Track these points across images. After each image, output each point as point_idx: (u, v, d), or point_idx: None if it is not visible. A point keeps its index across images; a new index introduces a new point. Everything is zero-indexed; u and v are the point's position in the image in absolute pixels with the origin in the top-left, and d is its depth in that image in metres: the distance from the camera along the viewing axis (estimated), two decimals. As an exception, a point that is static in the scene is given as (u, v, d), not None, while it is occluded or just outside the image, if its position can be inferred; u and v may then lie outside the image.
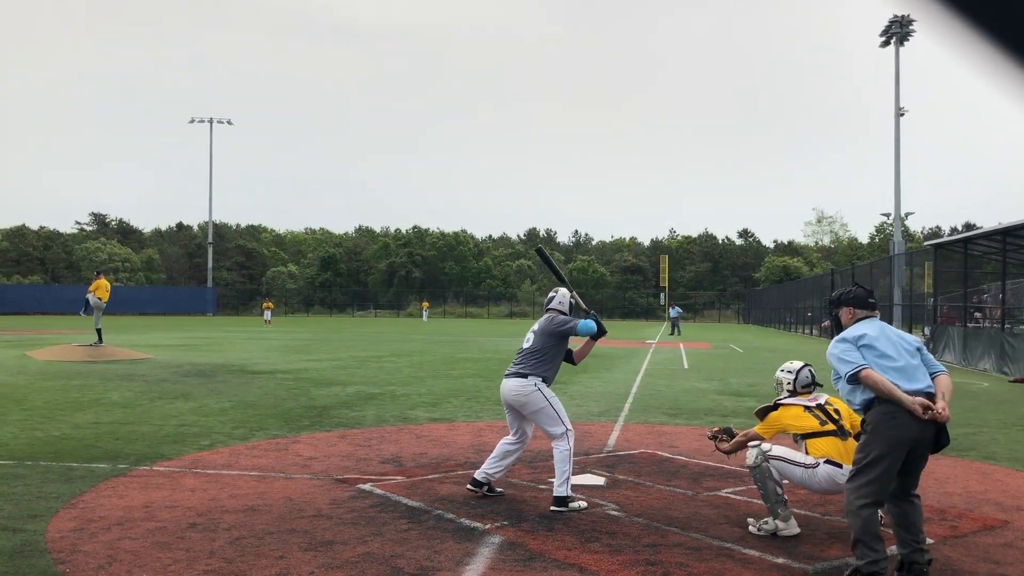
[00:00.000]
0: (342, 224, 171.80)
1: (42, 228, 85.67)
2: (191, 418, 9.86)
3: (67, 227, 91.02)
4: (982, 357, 19.53)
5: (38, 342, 24.94)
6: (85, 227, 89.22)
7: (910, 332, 28.10)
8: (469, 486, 6.09)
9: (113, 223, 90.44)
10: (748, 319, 72.79)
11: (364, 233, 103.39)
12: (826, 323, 39.60)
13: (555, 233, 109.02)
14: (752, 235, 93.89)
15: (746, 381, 16.00)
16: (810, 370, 5.52)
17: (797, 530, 5.11)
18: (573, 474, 5.92)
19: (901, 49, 44.31)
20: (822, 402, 5.26)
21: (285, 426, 9.42)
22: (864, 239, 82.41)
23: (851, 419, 5.16)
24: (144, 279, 79.05)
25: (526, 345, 6.16)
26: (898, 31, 43.88)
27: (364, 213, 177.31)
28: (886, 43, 44.99)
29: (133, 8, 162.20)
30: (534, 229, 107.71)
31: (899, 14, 42.58)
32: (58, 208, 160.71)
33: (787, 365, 5.63)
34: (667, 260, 76.50)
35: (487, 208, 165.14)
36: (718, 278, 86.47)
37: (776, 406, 5.41)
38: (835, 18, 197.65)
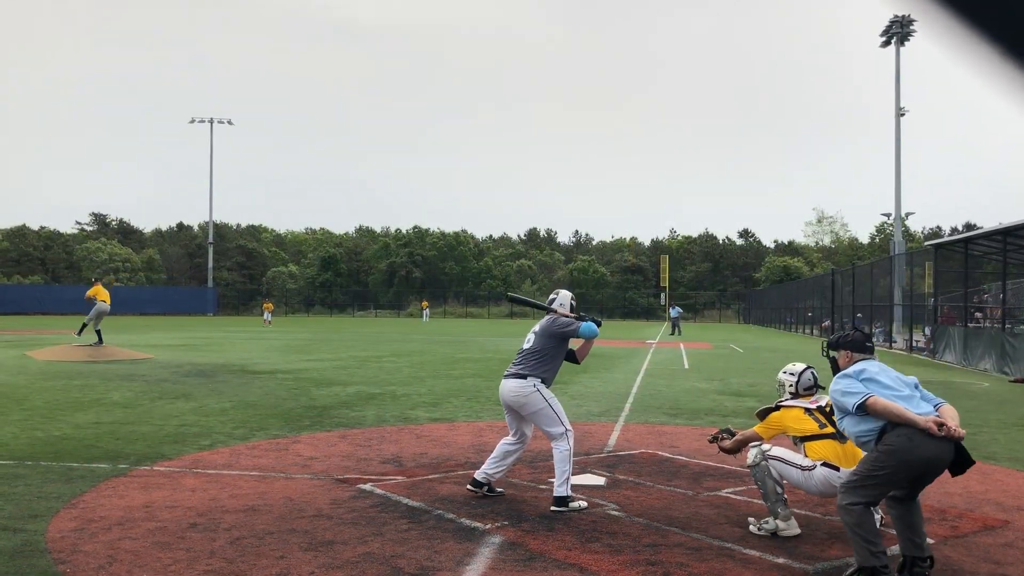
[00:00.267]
0: (342, 224, 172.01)
1: (42, 228, 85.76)
2: (192, 418, 9.86)
3: (67, 227, 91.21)
4: (982, 357, 19.52)
5: (38, 342, 24.94)
6: (85, 227, 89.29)
7: (911, 332, 28.10)
8: (469, 486, 6.09)
9: (113, 223, 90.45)
10: (748, 319, 72.78)
11: (364, 233, 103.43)
12: (826, 323, 39.62)
13: (555, 233, 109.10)
14: (752, 235, 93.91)
15: (746, 381, 16.00)
16: (812, 372, 5.52)
17: (797, 530, 5.12)
18: (573, 474, 5.92)
19: (901, 49, 44.34)
20: (823, 404, 5.26)
21: (285, 426, 9.42)
22: (864, 239, 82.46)
23: None
24: (144, 279, 79.07)
25: (526, 346, 6.16)
26: (898, 31, 43.90)
27: (364, 213, 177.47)
28: (886, 43, 45.01)
29: (133, 8, 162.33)
30: (534, 229, 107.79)
31: (899, 14, 42.58)
32: (58, 208, 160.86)
33: (789, 367, 5.63)
34: (667, 260, 76.49)
35: (487, 208, 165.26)
36: (718, 278, 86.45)
37: (777, 407, 5.42)
38: (835, 18, 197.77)
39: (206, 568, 4.33)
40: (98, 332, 20.11)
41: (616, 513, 5.65)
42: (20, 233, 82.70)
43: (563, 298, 6.34)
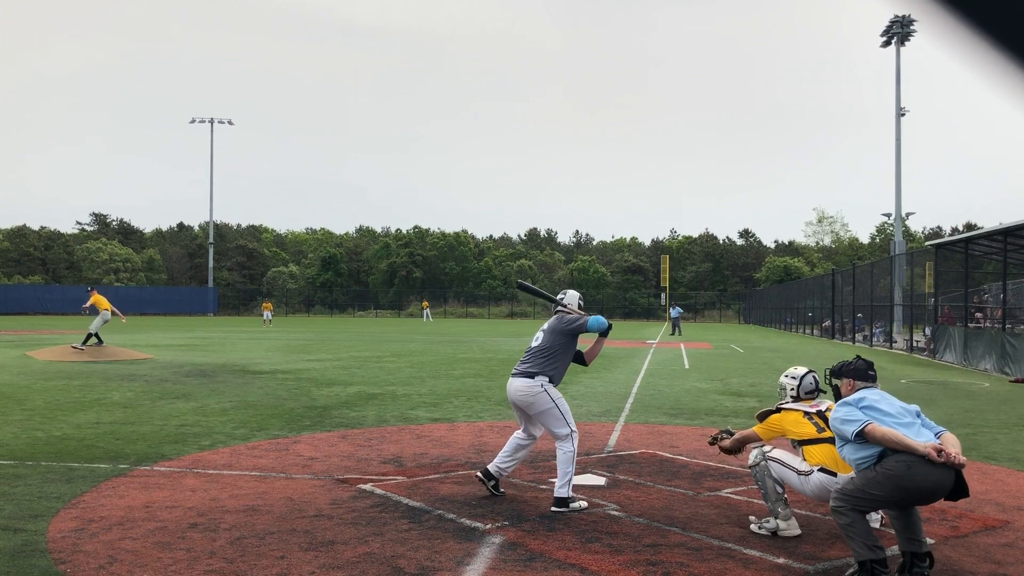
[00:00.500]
0: (343, 224, 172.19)
1: (43, 228, 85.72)
2: (192, 418, 9.87)
3: (68, 227, 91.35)
4: (983, 357, 19.52)
5: (39, 342, 24.96)
6: (86, 227, 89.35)
7: (911, 332, 28.06)
8: (479, 474, 6.14)
9: (114, 223, 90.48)
10: (749, 319, 72.77)
11: (365, 233, 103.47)
12: (827, 323, 39.62)
13: (556, 233, 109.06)
14: (753, 235, 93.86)
15: (747, 381, 16.00)
16: (814, 376, 5.51)
17: (798, 530, 5.12)
18: (574, 474, 5.92)
19: (902, 49, 44.36)
20: (823, 409, 5.24)
21: (286, 426, 9.42)
22: (865, 239, 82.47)
23: None
24: (145, 279, 79.10)
25: (534, 344, 6.16)
26: (899, 31, 43.92)
27: (365, 213, 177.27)
28: (887, 43, 45.03)
29: (133, 8, 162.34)
30: (535, 229, 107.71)
31: (900, 14, 42.59)
32: (59, 208, 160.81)
33: (791, 371, 5.62)
34: (668, 260, 76.51)
35: (488, 208, 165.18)
36: (719, 278, 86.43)
37: (778, 410, 5.42)
38: (836, 18, 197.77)
39: (206, 568, 4.33)
40: (96, 334, 20.12)
41: (616, 513, 5.65)
42: (20, 233, 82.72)
43: (571, 297, 6.34)
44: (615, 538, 5.02)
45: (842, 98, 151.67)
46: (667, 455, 7.94)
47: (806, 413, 5.24)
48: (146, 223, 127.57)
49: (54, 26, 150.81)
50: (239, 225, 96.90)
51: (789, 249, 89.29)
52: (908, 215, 49.55)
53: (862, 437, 4.19)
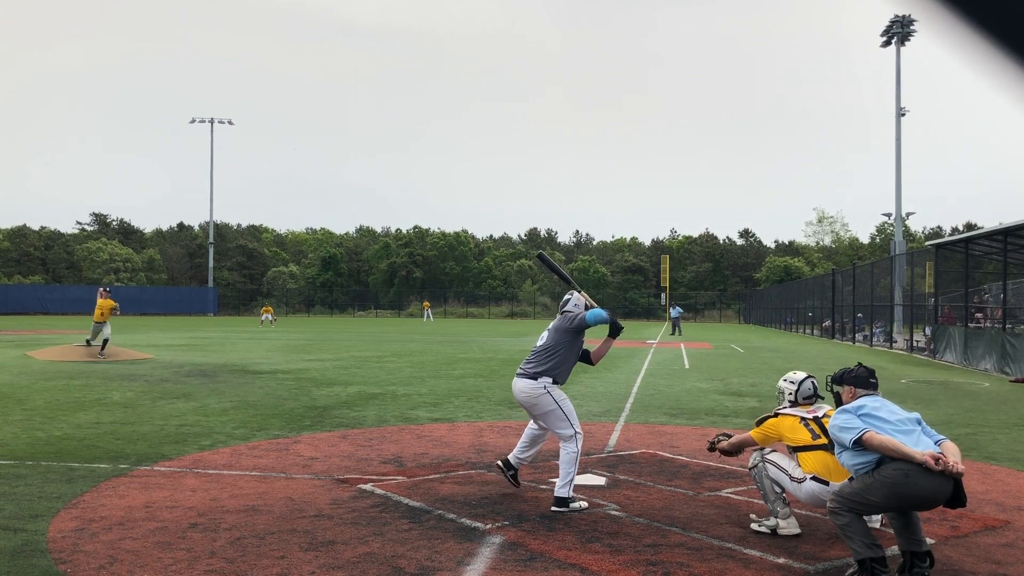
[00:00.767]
0: (343, 224, 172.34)
1: (43, 228, 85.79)
2: (192, 418, 9.87)
3: (68, 227, 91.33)
4: (983, 357, 19.52)
5: (39, 342, 24.96)
6: (86, 227, 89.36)
7: (911, 332, 28.07)
8: (499, 463, 6.22)
9: (114, 223, 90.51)
10: (749, 319, 72.76)
11: (365, 233, 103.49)
12: (827, 323, 39.62)
13: (556, 233, 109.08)
14: (753, 235, 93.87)
15: (747, 381, 16.00)
16: (812, 382, 5.49)
17: (797, 530, 5.12)
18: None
19: (902, 49, 44.36)
20: (819, 415, 5.22)
21: (286, 426, 9.42)
22: (865, 239, 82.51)
23: None
24: (145, 279, 79.12)
25: (539, 343, 6.16)
26: (899, 31, 43.93)
27: (365, 213, 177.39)
28: (887, 43, 45.04)
29: (133, 8, 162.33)
30: (535, 229, 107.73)
31: (900, 14, 42.59)
32: (59, 208, 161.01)
33: (790, 375, 5.61)
34: (668, 260, 76.51)
35: (488, 208, 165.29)
36: (719, 278, 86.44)
37: (776, 414, 5.41)
38: (835, 18, 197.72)
39: (207, 568, 4.33)
40: (90, 341, 20.10)
41: (617, 513, 5.65)
42: (21, 233, 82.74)
43: (576, 300, 6.31)
44: (615, 538, 5.02)
45: (842, 98, 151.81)
46: (667, 455, 7.94)
47: (802, 419, 5.22)
48: (146, 223, 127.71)
49: (54, 26, 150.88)
50: (239, 225, 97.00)
51: (789, 249, 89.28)
52: (908, 215, 49.56)
53: (860, 445, 4.19)
